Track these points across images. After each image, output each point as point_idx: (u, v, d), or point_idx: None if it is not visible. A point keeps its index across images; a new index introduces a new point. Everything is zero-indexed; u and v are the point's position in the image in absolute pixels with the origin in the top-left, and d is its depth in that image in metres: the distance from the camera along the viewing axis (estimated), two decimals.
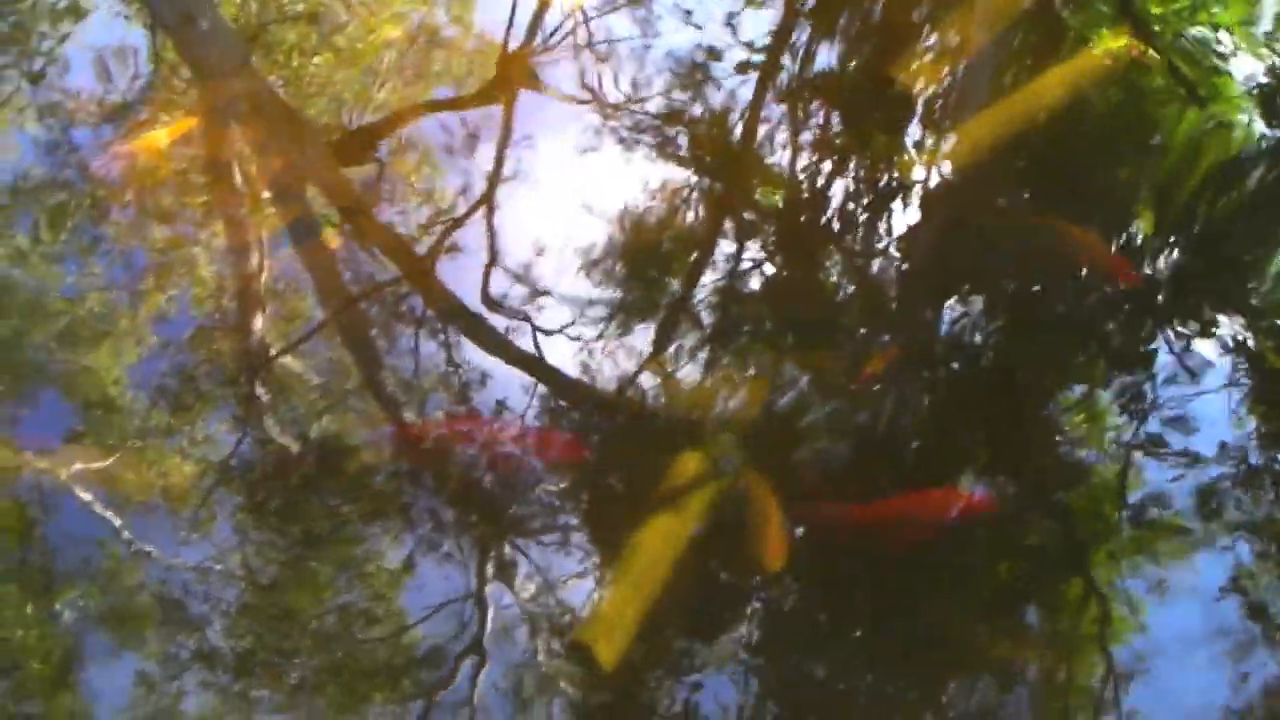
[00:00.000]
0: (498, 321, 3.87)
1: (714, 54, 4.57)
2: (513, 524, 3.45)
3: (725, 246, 4.10)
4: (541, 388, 3.71)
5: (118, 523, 3.44)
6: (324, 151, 4.26)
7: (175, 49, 4.59)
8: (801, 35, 4.73)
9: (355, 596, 3.41)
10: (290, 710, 3.23)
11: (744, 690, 3.20)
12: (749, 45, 4.61)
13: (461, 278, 4.00)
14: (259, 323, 3.93)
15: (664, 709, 3.19)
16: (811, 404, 3.68)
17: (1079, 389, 3.80)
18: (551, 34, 4.62)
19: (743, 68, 4.52)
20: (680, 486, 3.33)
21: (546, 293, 3.94)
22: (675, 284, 4.02)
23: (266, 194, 4.22)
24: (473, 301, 3.93)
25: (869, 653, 3.24)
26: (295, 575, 3.43)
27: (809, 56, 4.64)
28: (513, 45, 4.66)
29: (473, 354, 3.82)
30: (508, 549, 3.41)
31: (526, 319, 3.87)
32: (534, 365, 3.75)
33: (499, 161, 4.25)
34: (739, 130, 4.40)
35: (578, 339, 3.82)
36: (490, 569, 3.38)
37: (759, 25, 4.73)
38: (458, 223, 4.13)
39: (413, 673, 3.27)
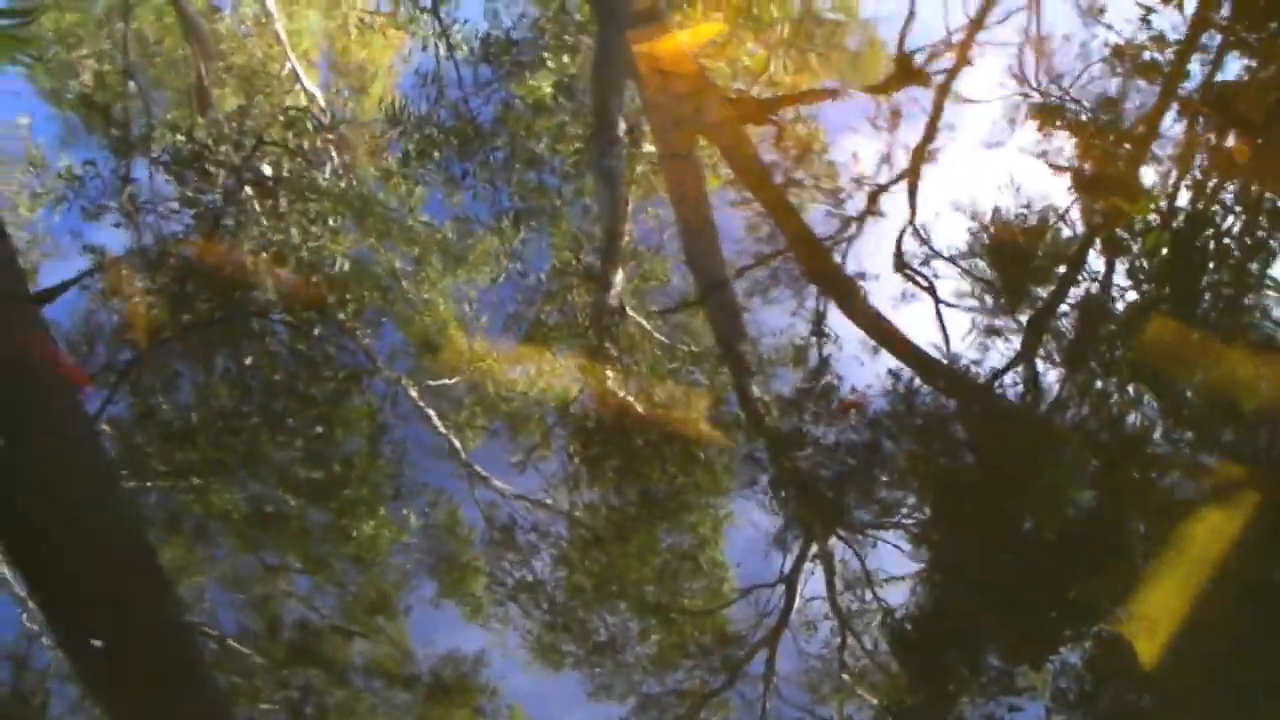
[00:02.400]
0: (880, 295, 3.88)
1: (1119, 53, 4.38)
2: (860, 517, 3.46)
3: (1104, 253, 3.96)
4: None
5: (456, 442, 3.67)
6: (725, 110, 4.35)
7: None
8: (1212, 41, 4.47)
9: (677, 563, 3.51)
10: (593, 665, 3.35)
11: None
12: (1157, 43, 4.39)
13: (841, 252, 4.04)
14: (619, 276, 4.08)
15: None
16: None
17: None
18: (949, 31, 4.54)
19: (1146, 69, 4.31)
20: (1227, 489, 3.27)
21: (925, 273, 3.93)
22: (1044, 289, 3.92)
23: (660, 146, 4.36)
24: (855, 274, 3.97)
25: None
26: (619, 532, 3.55)
27: (1217, 64, 4.38)
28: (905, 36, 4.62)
29: (839, 328, 3.85)
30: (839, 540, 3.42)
31: (930, 290, 3.86)
32: (907, 345, 3.74)
33: (918, 150, 4.23)
34: (1135, 134, 4.21)
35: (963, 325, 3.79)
36: (815, 556, 3.40)
37: (1170, 26, 4.52)
38: (842, 198, 4.16)
39: (719, 649, 3.34)
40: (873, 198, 4.11)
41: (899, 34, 4.55)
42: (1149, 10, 4.51)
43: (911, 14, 4.61)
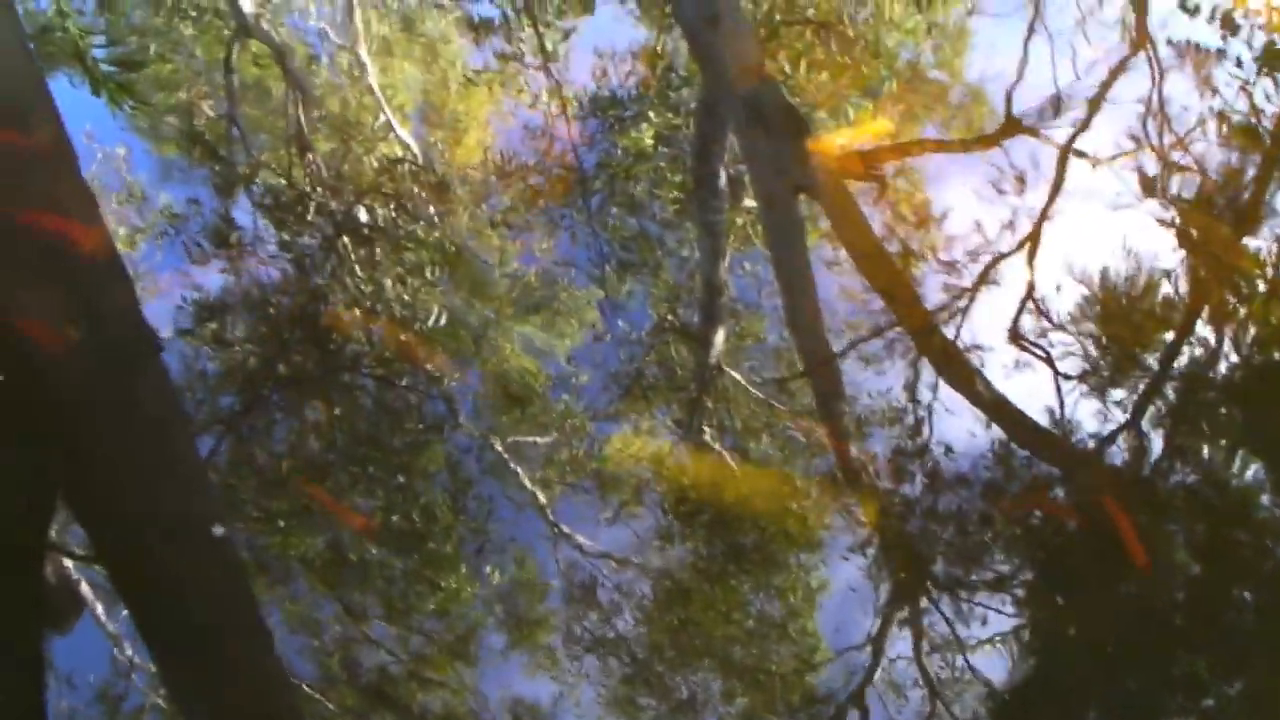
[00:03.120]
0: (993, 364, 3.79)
1: (1223, 118, 4.27)
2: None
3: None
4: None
5: (543, 499, 3.64)
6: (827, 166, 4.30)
7: (691, 48, 4.80)
8: None
9: (762, 624, 3.45)
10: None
11: None
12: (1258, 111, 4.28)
13: (954, 320, 3.93)
14: (720, 335, 4.05)
15: None
16: None
17: None
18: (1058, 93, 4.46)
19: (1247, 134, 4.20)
20: None
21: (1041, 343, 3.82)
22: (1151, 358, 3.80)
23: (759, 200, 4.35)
24: (968, 343, 3.87)
25: None
26: (706, 589, 3.48)
27: None
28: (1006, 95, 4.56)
29: (943, 390, 3.75)
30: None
31: (1046, 359, 3.76)
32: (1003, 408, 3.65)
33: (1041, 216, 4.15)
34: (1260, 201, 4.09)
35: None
36: (910, 620, 3.33)
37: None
38: (957, 265, 4.06)
39: (808, 709, 3.28)
40: (991, 265, 4.02)
41: (1008, 96, 4.49)
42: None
43: (1021, 76, 4.55)
